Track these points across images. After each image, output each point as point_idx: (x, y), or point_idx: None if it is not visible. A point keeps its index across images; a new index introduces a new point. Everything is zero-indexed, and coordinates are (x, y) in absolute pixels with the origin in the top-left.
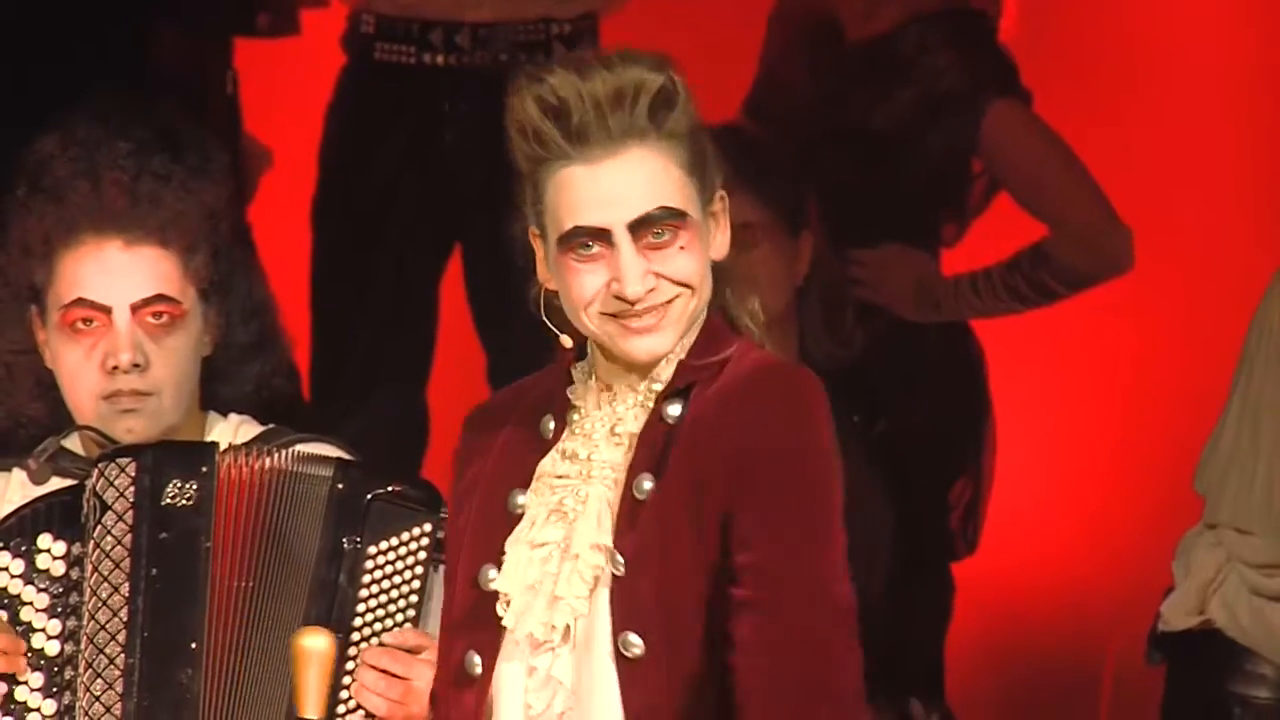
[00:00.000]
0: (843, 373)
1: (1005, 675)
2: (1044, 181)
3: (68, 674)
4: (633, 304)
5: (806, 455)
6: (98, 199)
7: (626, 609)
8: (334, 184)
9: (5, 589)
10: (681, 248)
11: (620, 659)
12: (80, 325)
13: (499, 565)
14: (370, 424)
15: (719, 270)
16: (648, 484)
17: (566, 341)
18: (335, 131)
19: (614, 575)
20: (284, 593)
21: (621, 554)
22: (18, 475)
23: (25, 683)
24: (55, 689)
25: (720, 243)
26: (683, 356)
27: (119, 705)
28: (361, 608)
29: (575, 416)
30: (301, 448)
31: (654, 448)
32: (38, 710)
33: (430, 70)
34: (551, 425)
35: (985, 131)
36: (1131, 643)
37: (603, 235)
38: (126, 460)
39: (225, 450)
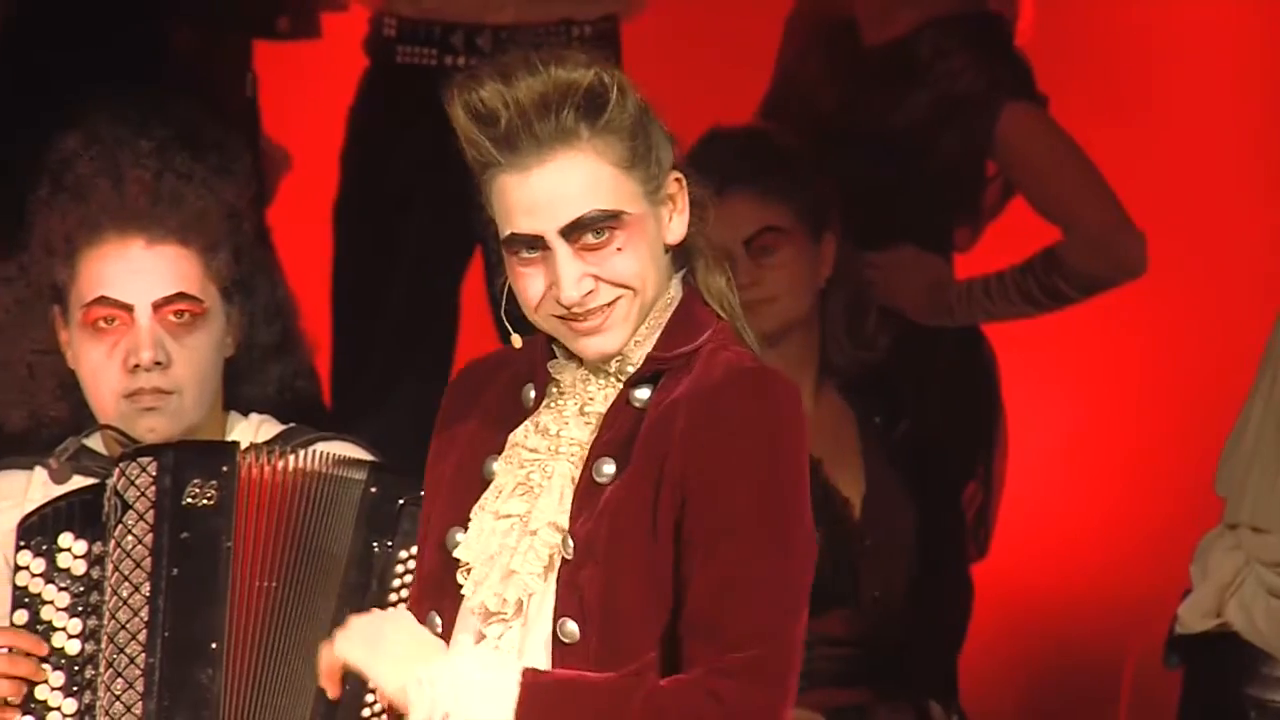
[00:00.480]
0: (865, 375)
1: (1022, 679)
2: (1057, 184)
3: (88, 673)
4: (569, 309)
5: (773, 466)
6: (120, 198)
7: (568, 595)
8: (355, 186)
9: (26, 588)
10: (619, 249)
11: (556, 642)
12: (102, 324)
13: (466, 530)
14: (391, 425)
15: (685, 249)
16: (608, 468)
17: (516, 341)
18: (357, 134)
19: (564, 558)
20: (311, 594)
21: (574, 538)
22: (39, 474)
23: (46, 682)
24: (76, 688)
25: (677, 225)
26: (653, 342)
27: (139, 705)
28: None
29: (553, 390)
30: (325, 448)
31: (618, 432)
32: (58, 709)
33: (452, 73)
34: (532, 394)
35: (999, 134)
36: (1150, 646)
37: (538, 242)
38: (148, 459)
39: (246, 449)
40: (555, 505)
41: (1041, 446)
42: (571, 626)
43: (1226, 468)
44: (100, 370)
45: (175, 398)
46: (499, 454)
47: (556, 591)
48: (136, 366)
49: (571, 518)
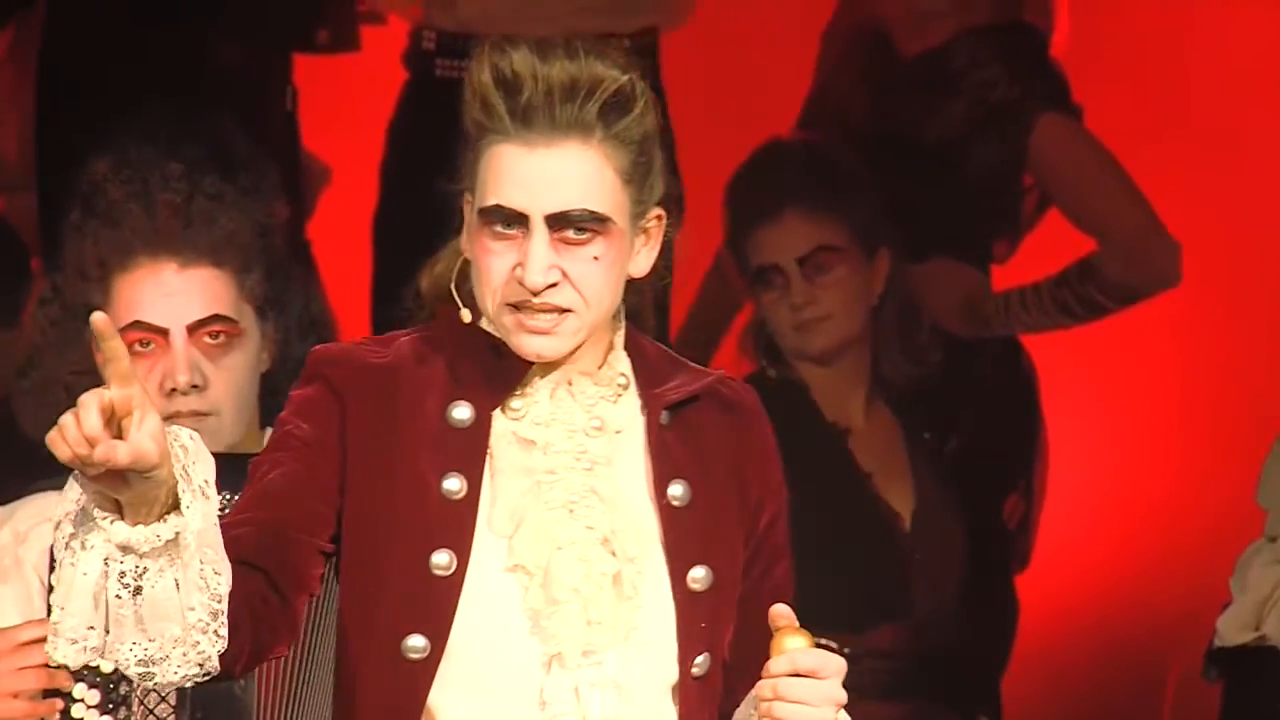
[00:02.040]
0: (914, 390)
1: (1063, 691)
2: (1092, 195)
3: (123, 689)
4: (532, 295)
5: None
6: (151, 222)
7: (699, 629)
8: (395, 199)
9: None
10: (595, 258)
11: (689, 679)
12: (138, 347)
13: (455, 551)
14: None
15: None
16: (679, 489)
17: (466, 315)
18: (397, 147)
19: (693, 591)
20: None
21: (677, 565)
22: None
23: (82, 700)
24: (111, 705)
25: (643, 259)
26: (627, 359)
27: (173, 718)
28: None
29: (517, 404)
30: None
31: (671, 452)
32: None
33: None
34: (468, 413)
35: (1034, 144)
36: (1192, 658)
37: (520, 219)
38: None
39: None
40: (636, 526)
41: (1081, 458)
42: (704, 658)
43: (1268, 479)
44: None
45: (213, 419)
46: (455, 472)
47: (686, 624)
48: (173, 390)
49: (671, 551)
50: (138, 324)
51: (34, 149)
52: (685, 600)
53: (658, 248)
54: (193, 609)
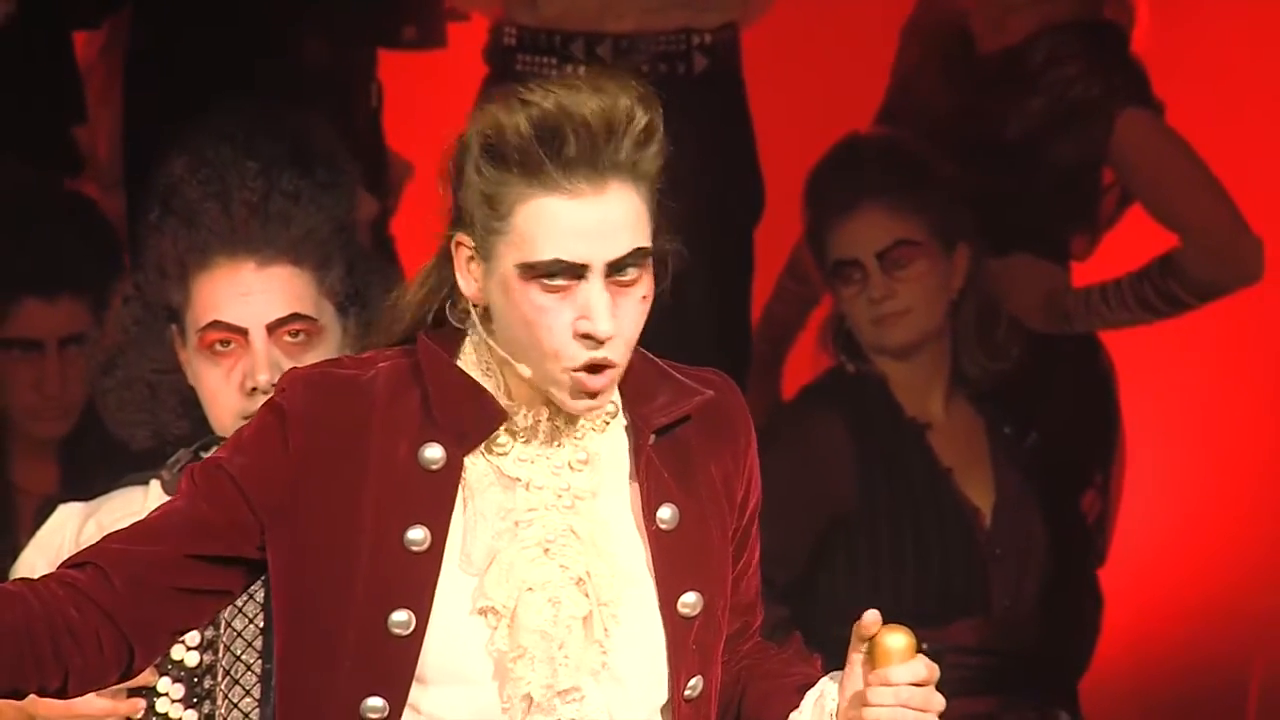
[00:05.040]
0: (994, 385)
1: (1143, 692)
2: (1173, 191)
3: (207, 683)
4: (601, 342)
5: None
6: (229, 221)
7: (691, 652)
8: None
9: None
10: (644, 297)
11: (681, 701)
12: (218, 347)
13: (414, 609)
14: None
15: None
16: (668, 513)
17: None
18: None
19: (684, 617)
20: None
21: (665, 591)
22: (155, 487)
23: (166, 695)
24: (195, 699)
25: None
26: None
27: (257, 711)
28: None
29: (503, 439)
30: None
31: (658, 475)
32: None
33: None
34: (439, 454)
35: (1115, 140)
36: (1277, 661)
37: (578, 271)
38: None
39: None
40: (615, 565)
41: (1160, 455)
42: (697, 680)
43: None
44: (218, 392)
45: None
46: (419, 524)
47: (677, 649)
48: (254, 389)
49: (660, 576)
50: (216, 324)
51: (123, 147)
52: (676, 626)
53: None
54: None
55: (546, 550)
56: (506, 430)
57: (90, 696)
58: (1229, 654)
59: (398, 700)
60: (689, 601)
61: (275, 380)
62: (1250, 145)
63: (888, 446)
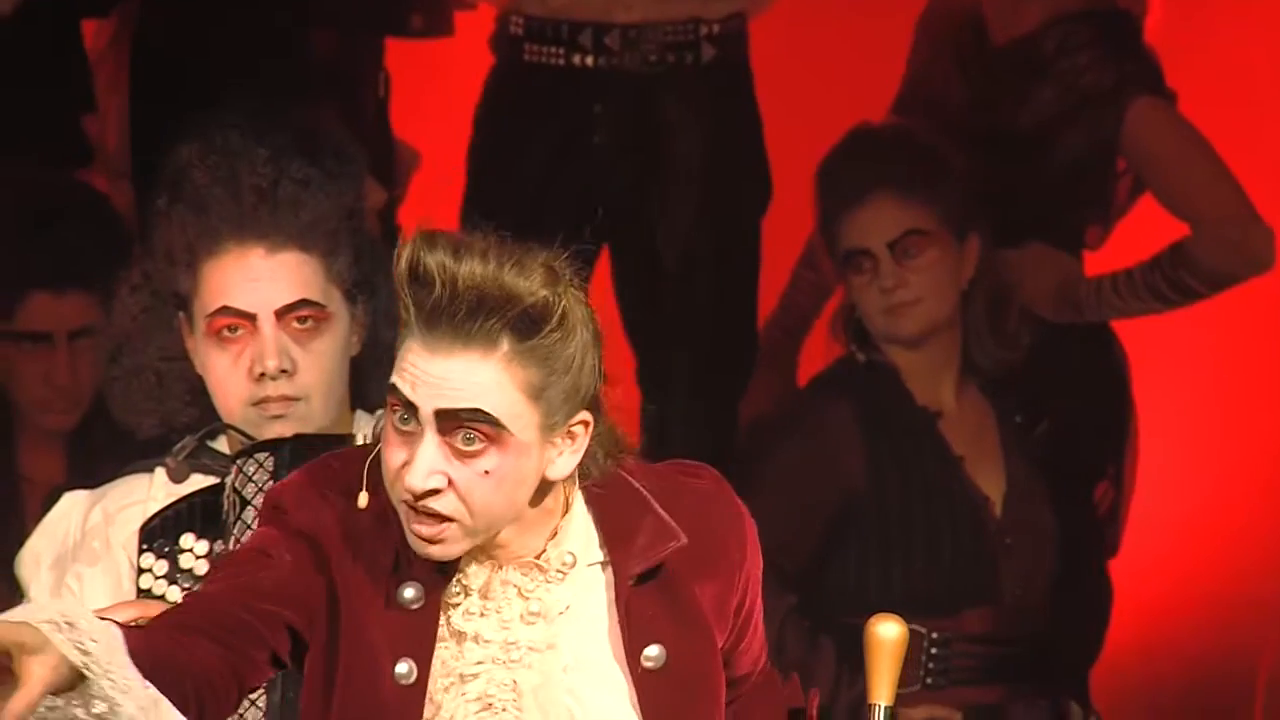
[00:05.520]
0: (1005, 374)
1: (1153, 681)
2: (1185, 179)
3: None
4: (415, 498)
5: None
6: (238, 207)
7: None
8: (483, 185)
9: (150, 590)
10: (486, 472)
11: None
12: (226, 333)
13: None
14: None
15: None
16: (655, 651)
17: (363, 500)
18: (484, 133)
19: None
20: None
21: None
22: (160, 474)
23: None
24: None
25: (564, 463)
26: (577, 536)
27: (264, 698)
28: None
29: (455, 591)
30: None
31: (642, 617)
32: None
33: (579, 72)
34: (411, 594)
35: (1127, 129)
36: None
37: (413, 409)
38: (264, 454)
39: (363, 444)
40: (559, 717)
41: (1173, 445)
42: None
43: None
44: (227, 379)
45: (302, 404)
46: (406, 656)
47: None
48: (262, 375)
49: (648, 716)
50: (225, 309)
51: (130, 137)
52: None
53: (583, 450)
54: None
55: (489, 705)
56: (459, 583)
57: None
58: (1239, 643)
59: None
60: None
61: (284, 366)
62: (1262, 134)
63: (898, 435)
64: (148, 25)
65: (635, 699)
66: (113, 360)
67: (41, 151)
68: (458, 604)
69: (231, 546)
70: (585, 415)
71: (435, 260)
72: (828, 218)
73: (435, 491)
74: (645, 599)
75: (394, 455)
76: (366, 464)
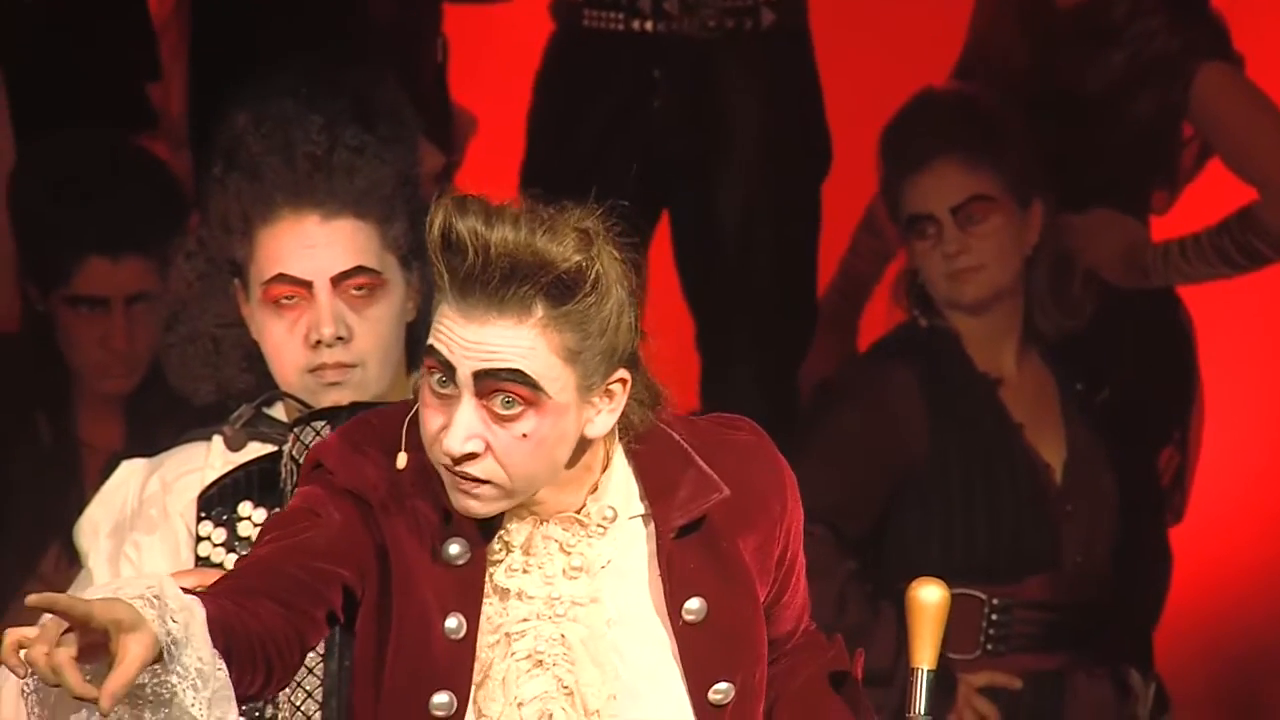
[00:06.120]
0: (1067, 341)
1: (1216, 647)
2: (1253, 144)
3: None
4: (454, 462)
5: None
6: (293, 174)
7: None
8: (542, 151)
9: (208, 558)
10: (524, 435)
11: None
12: (283, 300)
13: (455, 693)
14: None
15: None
16: (696, 604)
17: (401, 460)
18: (543, 99)
19: (715, 705)
20: None
21: (698, 683)
22: (217, 442)
23: None
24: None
25: (602, 422)
26: (617, 490)
27: (320, 666)
28: None
29: (497, 549)
30: None
31: (685, 566)
32: None
33: (638, 37)
34: (455, 550)
35: (1195, 94)
36: None
37: (450, 371)
38: (321, 423)
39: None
40: (608, 670)
41: (1239, 410)
42: None
43: None
44: (283, 346)
45: (358, 370)
46: (455, 611)
47: None
48: (318, 342)
49: (690, 669)
50: (281, 277)
51: (188, 104)
52: (708, 715)
53: (620, 408)
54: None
55: (539, 662)
56: (500, 540)
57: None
58: None
59: None
60: (721, 689)
61: (339, 333)
62: None
63: (959, 401)
64: None
65: (676, 652)
66: (169, 327)
67: (106, 117)
68: (500, 560)
69: None
70: (623, 373)
71: (467, 227)
72: (891, 183)
73: (473, 455)
74: (686, 552)
75: (432, 419)
76: (405, 424)
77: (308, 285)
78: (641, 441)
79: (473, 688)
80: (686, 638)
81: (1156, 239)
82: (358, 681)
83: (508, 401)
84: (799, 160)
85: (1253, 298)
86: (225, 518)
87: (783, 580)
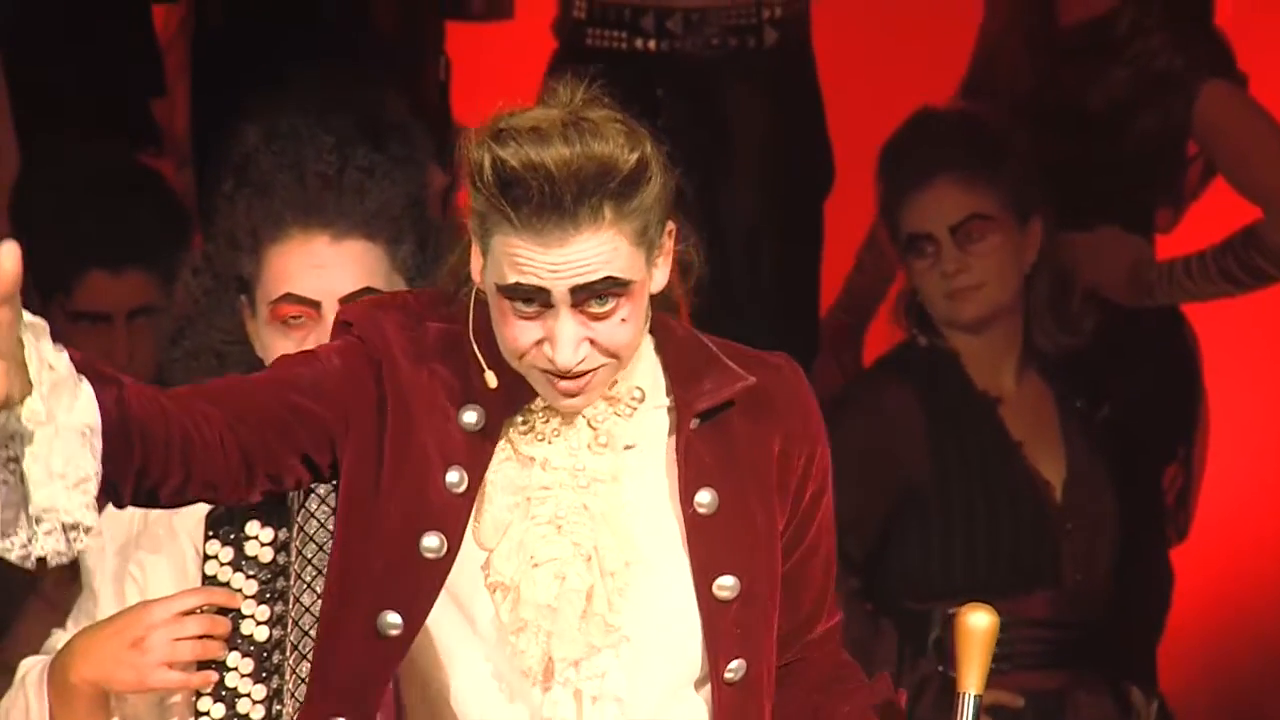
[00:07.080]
0: (1067, 358)
1: (1220, 666)
2: (1257, 163)
3: (276, 658)
4: (562, 372)
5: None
6: (303, 192)
7: (734, 635)
8: None
9: (215, 577)
10: (623, 320)
11: (722, 684)
12: (290, 320)
13: (447, 536)
14: None
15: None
16: (707, 496)
17: (491, 380)
18: None
19: (720, 599)
20: None
21: (703, 572)
22: None
23: (236, 669)
24: (264, 674)
25: (660, 275)
26: (646, 374)
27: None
28: None
29: (523, 418)
30: None
31: (699, 460)
32: (248, 695)
33: (641, 56)
34: (473, 418)
35: (1198, 112)
36: None
37: (543, 294)
38: None
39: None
40: (625, 539)
41: (1243, 429)
42: (739, 664)
43: None
44: None
45: None
46: (458, 465)
47: (714, 631)
48: None
49: (696, 558)
50: (289, 296)
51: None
52: (712, 608)
53: (671, 253)
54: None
55: (559, 528)
56: (527, 410)
57: (163, 670)
58: None
59: (415, 620)
60: (726, 584)
61: None
62: None
63: (959, 420)
64: (211, 8)
65: (684, 541)
66: (174, 342)
67: (110, 133)
68: (525, 430)
69: (297, 535)
70: (670, 224)
71: (519, 159)
72: (890, 201)
73: (583, 359)
74: (705, 443)
75: (524, 332)
76: (473, 342)
77: (316, 305)
78: (670, 339)
79: (489, 553)
80: (695, 528)
81: (1161, 257)
82: (342, 523)
83: (602, 300)
84: (802, 179)
85: (1257, 316)
86: (232, 537)
87: (804, 516)
